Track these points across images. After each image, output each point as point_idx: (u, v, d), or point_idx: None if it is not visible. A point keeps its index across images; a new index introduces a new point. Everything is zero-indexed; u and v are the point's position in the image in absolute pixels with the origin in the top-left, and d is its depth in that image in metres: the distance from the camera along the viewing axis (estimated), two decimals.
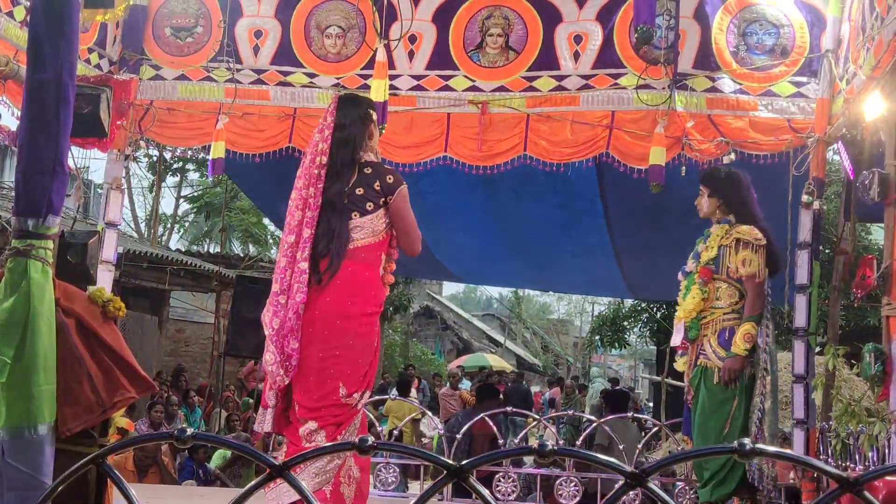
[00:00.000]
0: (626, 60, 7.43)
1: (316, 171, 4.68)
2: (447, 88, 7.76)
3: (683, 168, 7.25)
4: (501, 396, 17.30)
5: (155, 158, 23.06)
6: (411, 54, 7.79)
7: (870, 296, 5.86)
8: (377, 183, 4.71)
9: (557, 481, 7.53)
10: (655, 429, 8.83)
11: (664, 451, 10.68)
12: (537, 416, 8.75)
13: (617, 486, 2.02)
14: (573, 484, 7.43)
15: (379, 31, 7.49)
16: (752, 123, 7.24)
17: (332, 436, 4.49)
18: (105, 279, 7.37)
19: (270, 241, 27.73)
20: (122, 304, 4.15)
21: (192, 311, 21.02)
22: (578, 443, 8.27)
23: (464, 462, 2.08)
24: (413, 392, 16.76)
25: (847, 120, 6.55)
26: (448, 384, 17.55)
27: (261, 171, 9.21)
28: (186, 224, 30.96)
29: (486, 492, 2.08)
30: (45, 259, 3.64)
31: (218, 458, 10.31)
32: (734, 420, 5.82)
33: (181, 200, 29.71)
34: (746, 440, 1.98)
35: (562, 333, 49.04)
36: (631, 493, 5.94)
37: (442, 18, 7.74)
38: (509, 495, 7.41)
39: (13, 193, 4.05)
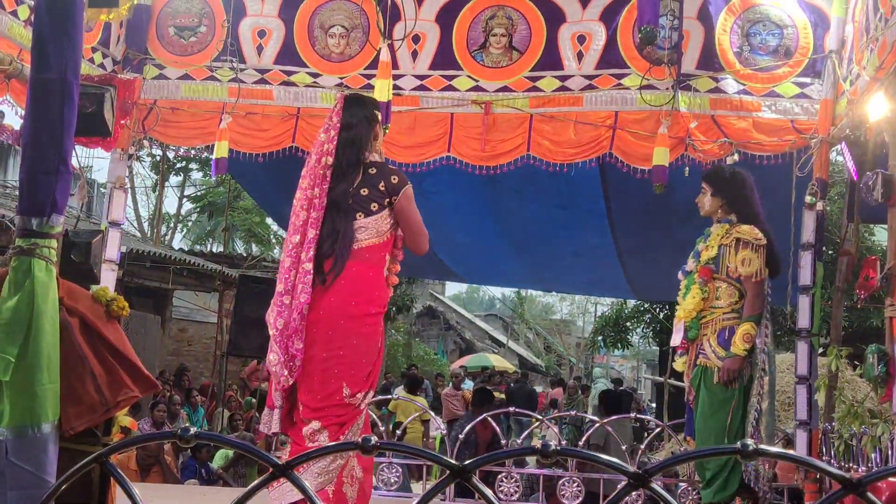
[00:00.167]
0: (630, 61, 7.43)
1: (321, 172, 4.68)
2: (450, 88, 7.76)
3: (687, 168, 7.25)
4: (504, 397, 17.39)
5: (158, 158, 23.10)
6: (415, 54, 7.79)
7: (873, 297, 5.86)
8: (382, 183, 4.71)
9: (560, 482, 7.53)
10: (658, 429, 8.82)
11: (667, 451, 10.68)
12: (540, 417, 8.75)
13: (620, 486, 2.02)
14: (575, 484, 7.43)
15: (383, 30, 7.49)
16: (755, 124, 7.24)
17: (335, 436, 4.49)
18: (108, 278, 7.37)
19: (273, 240, 27.74)
20: (126, 304, 4.15)
21: (195, 310, 21.03)
22: (581, 443, 8.26)
23: (467, 462, 2.08)
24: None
25: (851, 121, 6.55)
26: (451, 384, 17.54)
27: (264, 171, 9.22)
28: (189, 223, 30.98)
29: (489, 492, 2.08)
30: (49, 258, 3.64)
31: (220, 458, 10.31)
32: (734, 420, 5.82)
33: (184, 200, 29.76)
34: (749, 441, 1.98)
35: (564, 334, 49.02)
36: (629, 493, 5.94)
37: (445, 18, 7.74)
38: (512, 495, 7.40)
39: (17, 192, 4.06)
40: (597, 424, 8.30)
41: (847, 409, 5.99)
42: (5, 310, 3.54)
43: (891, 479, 4.04)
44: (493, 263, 12.73)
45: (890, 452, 5.30)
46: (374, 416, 7.27)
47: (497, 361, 27.39)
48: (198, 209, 29.95)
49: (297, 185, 4.78)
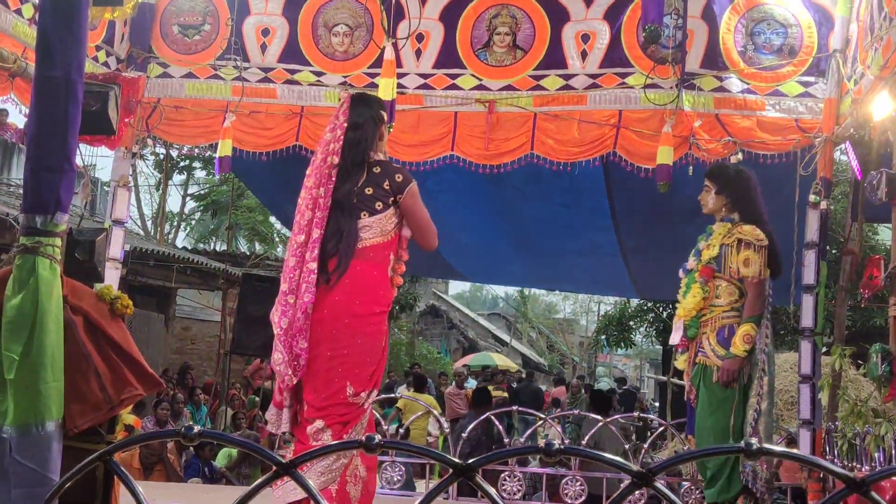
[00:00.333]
0: (634, 60, 7.43)
1: (327, 171, 4.67)
2: (454, 87, 7.76)
3: (691, 168, 7.25)
4: (507, 395, 17.40)
5: (162, 156, 23.11)
6: (418, 53, 7.79)
7: (877, 296, 5.86)
8: (386, 182, 4.70)
9: (563, 481, 7.52)
10: (661, 428, 8.81)
11: (670, 450, 10.68)
12: (543, 416, 8.75)
13: (623, 485, 2.02)
14: (578, 483, 7.43)
15: (387, 29, 7.49)
16: (759, 123, 7.24)
17: (338, 434, 4.49)
18: (112, 277, 7.38)
19: (277, 239, 27.76)
20: (130, 302, 4.16)
21: (199, 308, 21.04)
22: (584, 442, 8.26)
23: (470, 461, 2.08)
24: None
25: (855, 120, 6.54)
26: (454, 383, 17.54)
27: (267, 170, 9.22)
28: (193, 222, 30.98)
29: (492, 490, 2.08)
30: (54, 256, 3.64)
31: (223, 457, 10.31)
32: (736, 420, 5.81)
33: (188, 198, 29.75)
34: (753, 440, 1.98)
35: (567, 333, 49.00)
36: (633, 492, 5.94)
37: (449, 17, 7.74)
38: (515, 494, 7.40)
39: (21, 191, 4.06)
40: (603, 423, 8.29)
41: (850, 409, 5.98)
42: (10, 308, 3.54)
43: (894, 478, 4.03)
44: (497, 262, 12.73)
45: (893, 452, 5.30)
46: (378, 415, 7.27)
47: (500, 360, 27.38)
48: (201, 208, 29.94)
49: (301, 183, 4.78)
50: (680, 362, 6.23)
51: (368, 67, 7.80)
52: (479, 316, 44.26)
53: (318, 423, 4.50)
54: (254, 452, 2.31)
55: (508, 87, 7.68)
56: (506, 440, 8.37)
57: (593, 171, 8.26)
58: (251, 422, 12.86)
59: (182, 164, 27.32)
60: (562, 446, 2.06)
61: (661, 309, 21.11)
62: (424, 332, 35.45)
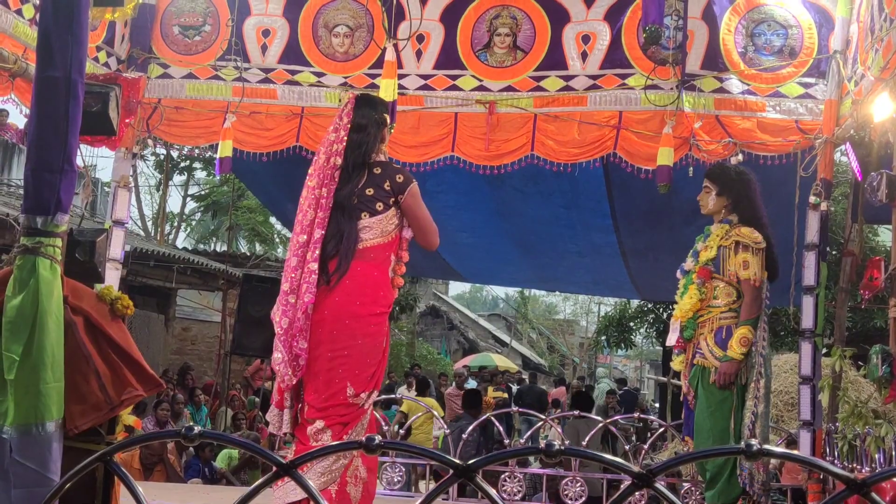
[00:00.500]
0: (634, 61, 7.43)
1: (330, 172, 4.68)
2: (455, 88, 7.76)
3: (691, 169, 7.24)
4: (506, 396, 17.41)
5: (162, 157, 23.12)
6: (419, 54, 7.80)
7: (877, 297, 5.86)
8: (387, 183, 4.71)
9: (563, 481, 7.52)
10: (661, 429, 8.82)
11: (670, 451, 10.68)
12: (542, 416, 8.75)
13: (623, 486, 2.02)
14: (579, 484, 7.42)
15: (388, 30, 7.50)
16: (759, 124, 7.24)
17: (338, 435, 4.49)
18: (112, 277, 7.38)
19: (277, 239, 27.77)
20: (130, 303, 4.16)
21: (199, 309, 21.03)
22: (584, 443, 8.26)
23: (470, 461, 2.08)
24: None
25: (855, 121, 6.54)
26: (454, 384, 17.54)
27: (268, 170, 9.23)
28: (193, 222, 30.99)
29: (492, 491, 2.08)
30: (54, 257, 3.64)
31: (223, 458, 10.30)
32: (735, 422, 5.81)
33: (188, 199, 29.76)
34: (754, 441, 1.98)
35: (568, 334, 48.95)
36: (633, 493, 5.94)
37: (450, 18, 7.75)
38: (515, 495, 7.40)
39: (22, 191, 4.06)
40: (604, 424, 8.29)
41: (851, 410, 5.98)
42: (10, 308, 3.54)
43: (895, 479, 4.03)
44: (497, 263, 12.74)
45: (894, 453, 5.30)
46: (378, 416, 7.27)
47: (500, 361, 27.38)
48: (201, 208, 29.95)
49: (301, 184, 4.78)
50: (676, 363, 6.23)
51: (369, 68, 7.80)
52: (479, 317, 44.24)
53: (319, 424, 4.50)
54: (254, 453, 2.32)
55: (509, 88, 7.68)
56: (506, 441, 8.37)
57: (593, 172, 8.26)
58: (251, 422, 12.85)
59: (182, 164, 27.34)
60: (562, 447, 2.06)
61: (661, 310, 21.11)
62: (424, 332, 35.44)
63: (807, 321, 6.98)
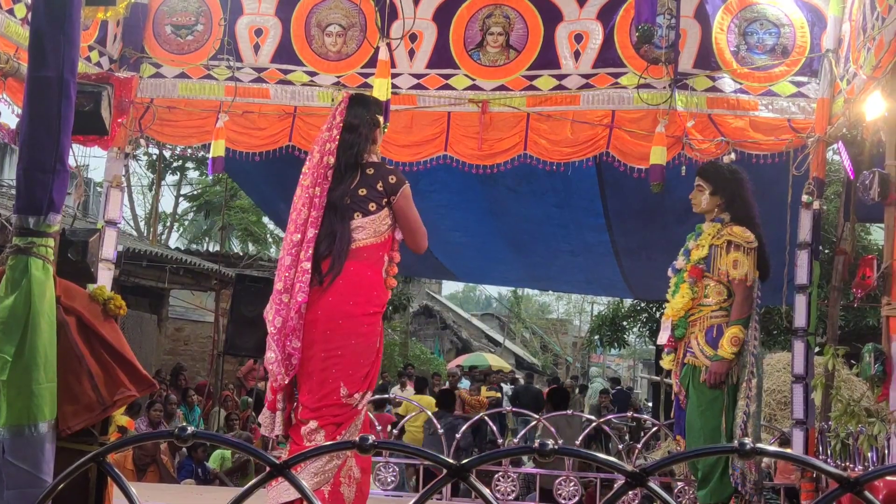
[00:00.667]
0: (627, 60, 7.43)
1: (323, 171, 4.68)
2: (447, 87, 7.76)
3: (684, 168, 7.24)
4: (499, 396, 17.40)
5: (155, 157, 23.07)
6: (412, 53, 7.79)
7: (869, 296, 5.85)
8: (380, 183, 4.71)
9: (557, 481, 7.53)
10: (655, 428, 8.82)
11: (663, 450, 10.69)
12: (536, 416, 8.75)
13: (617, 485, 2.02)
14: (572, 484, 7.43)
15: (381, 29, 7.49)
16: (752, 123, 7.25)
17: (331, 435, 4.49)
18: (105, 277, 7.36)
19: (270, 239, 27.73)
20: (123, 303, 4.15)
21: (192, 309, 21.01)
22: (578, 442, 8.27)
23: (464, 461, 2.08)
24: (411, 391, 16.74)
25: (847, 120, 6.55)
26: (447, 384, 17.52)
27: (261, 170, 9.22)
28: (186, 222, 30.94)
29: (486, 491, 2.08)
30: (46, 257, 3.64)
31: (216, 459, 10.29)
32: (727, 421, 5.81)
33: (181, 199, 29.70)
34: (747, 440, 1.99)
35: (561, 333, 48.98)
36: (626, 492, 5.94)
37: (442, 17, 7.74)
38: (509, 495, 7.41)
39: (14, 191, 4.05)
40: (598, 423, 8.29)
41: (844, 408, 5.98)
42: (2, 308, 3.53)
43: (888, 477, 4.04)
44: (490, 262, 12.73)
45: (887, 451, 5.30)
46: (372, 416, 7.26)
47: (494, 361, 27.36)
48: (194, 208, 29.90)
49: (294, 183, 4.78)
50: (666, 362, 6.23)
51: (362, 67, 7.80)
52: (472, 316, 44.24)
53: (312, 424, 4.50)
54: (247, 453, 2.31)
55: (501, 88, 7.68)
56: (499, 441, 8.37)
57: (586, 171, 8.27)
58: (244, 423, 12.84)
59: (175, 164, 27.27)
60: (555, 446, 2.06)
61: (654, 309, 21.12)
62: (418, 332, 35.41)
63: (799, 320, 6.99)
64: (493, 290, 51.23)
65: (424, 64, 7.79)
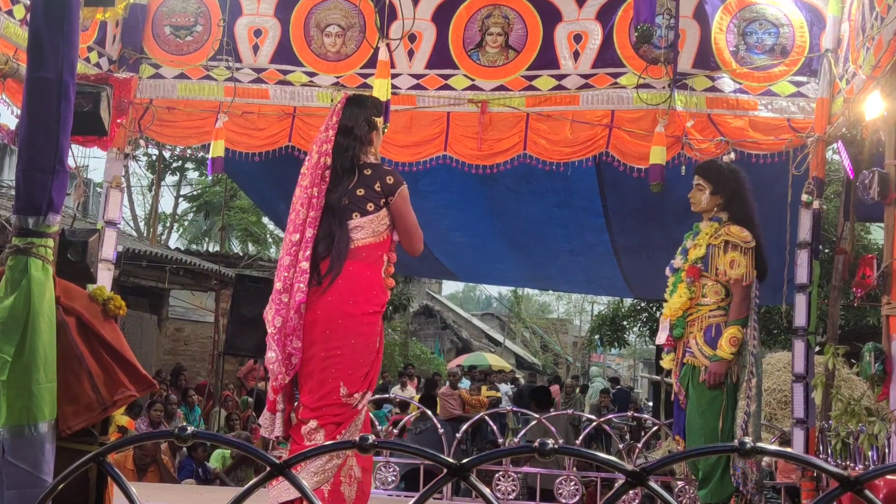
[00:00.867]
0: (626, 60, 7.44)
1: (320, 172, 4.68)
2: (447, 87, 7.76)
3: (683, 167, 7.24)
4: (498, 395, 17.39)
5: (154, 157, 23.06)
6: (411, 53, 7.80)
7: (869, 295, 5.85)
8: (377, 184, 4.70)
9: (557, 480, 7.53)
10: (655, 428, 8.82)
11: (664, 450, 10.69)
12: (536, 416, 8.75)
13: (617, 484, 2.02)
14: (573, 483, 7.43)
15: (380, 30, 7.49)
16: (751, 123, 7.25)
17: (331, 435, 4.48)
18: (105, 278, 7.36)
19: (270, 239, 27.72)
20: (123, 303, 4.15)
21: (192, 309, 21.01)
22: (578, 442, 8.27)
23: (464, 461, 2.08)
24: (412, 391, 16.76)
25: (847, 119, 6.55)
26: (448, 383, 17.53)
27: (260, 170, 9.22)
28: (186, 223, 30.94)
29: (486, 490, 2.08)
30: (46, 257, 3.64)
31: (216, 458, 10.29)
32: (725, 421, 5.80)
33: (180, 199, 29.70)
34: (747, 439, 1.99)
35: (561, 333, 48.93)
36: (627, 491, 5.95)
37: (442, 17, 7.75)
38: (509, 494, 7.41)
39: (13, 192, 4.05)
40: (598, 422, 8.29)
41: (844, 408, 5.98)
42: (2, 309, 3.53)
43: (888, 476, 4.04)
44: (490, 262, 12.73)
45: (887, 450, 5.30)
46: (372, 416, 7.27)
47: (494, 360, 27.36)
48: (194, 209, 29.89)
49: (294, 183, 4.78)
50: (666, 362, 6.22)
51: (361, 68, 7.80)
52: (472, 316, 44.22)
53: (312, 424, 4.50)
54: (247, 453, 2.31)
55: (501, 88, 7.69)
56: (499, 440, 8.37)
57: (586, 171, 8.27)
58: (245, 422, 12.84)
59: (174, 164, 27.26)
60: (555, 446, 2.06)
61: (654, 308, 21.12)
62: (418, 332, 35.40)
63: (800, 319, 6.99)
64: (493, 290, 51.23)
65: (424, 64, 7.80)
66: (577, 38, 7.57)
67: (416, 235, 4.82)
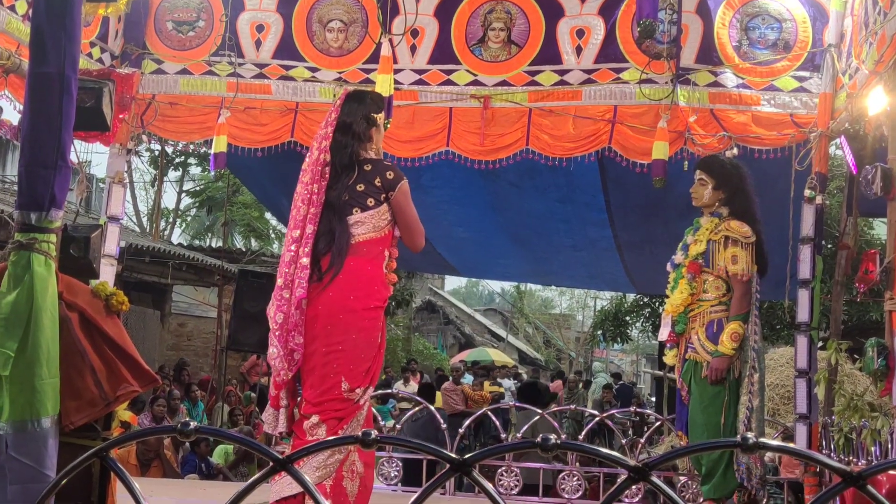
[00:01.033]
0: (629, 55, 7.43)
1: (320, 168, 4.67)
2: (449, 83, 7.76)
3: (686, 163, 7.24)
4: (502, 391, 17.40)
5: (157, 153, 23.09)
6: (413, 48, 7.79)
7: (872, 290, 5.85)
8: (377, 179, 4.69)
9: (560, 475, 7.54)
10: (658, 423, 8.83)
11: (667, 445, 10.69)
12: (539, 411, 8.75)
13: (620, 479, 2.02)
14: (576, 478, 7.44)
15: (384, 25, 7.48)
16: (754, 118, 7.24)
17: (333, 430, 4.49)
18: (107, 273, 7.36)
19: (272, 235, 27.76)
20: (125, 298, 4.15)
21: (195, 305, 21.03)
22: (581, 437, 8.27)
23: (467, 456, 2.08)
24: (415, 387, 16.76)
25: (850, 115, 6.54)
26: (450, 379, 17.54)
27: (263, 166, 9.21)
28: (188, 218, 30.97)
29: (489, 486, 2.08)
30: (49, 253, 3.64)
31: (219, 454, 10.30)
32: (727, 416, 5.81)
33: (183, 195, 29.73)
34: (749, 434, 1.99)
35: (564, 328, 48.93)
36: (629, 486, 5.95)
37: (444, 13, 7.74)
38: (512, 490, 7.41)
39: (16, 187, 4.05)
40: (600, 418, 8.29)
41: (847, 403, 5.98)
42: (4, 304, 3.53)
43: (891, 472, 4.04)
44: (493, 258, 12.73)
45: (890, 446, 5.30)
46: (375, 412, 7.27)
47: (497, 356, 27.38)
48: (197, 204, 29.94)
49: (296, 179, 4.78)
50: (668, 358, 6.23)
51: (363, 63, 7.79)
52: (475, 311, 44.23)
53: (314, 419, 4.50)
54: (250, 448, 2.32)
55: (503, 83, 7.68)
56: (502, 436, 8.38)
57: (588, 166, 8.26)
58: (248, 418, 12.86)
59: (177, 160, 27.31)
60: (558, 441, 2.06)
61: (657, 304, 21.12)
62: (421, 327, 35.42)
63: (802, 315, 6.99)
64: (495, 286, 51.24)
65: (426, 59, 7.79)
66: (580, 33, 7.56)
67: (416, 231, 4.81)
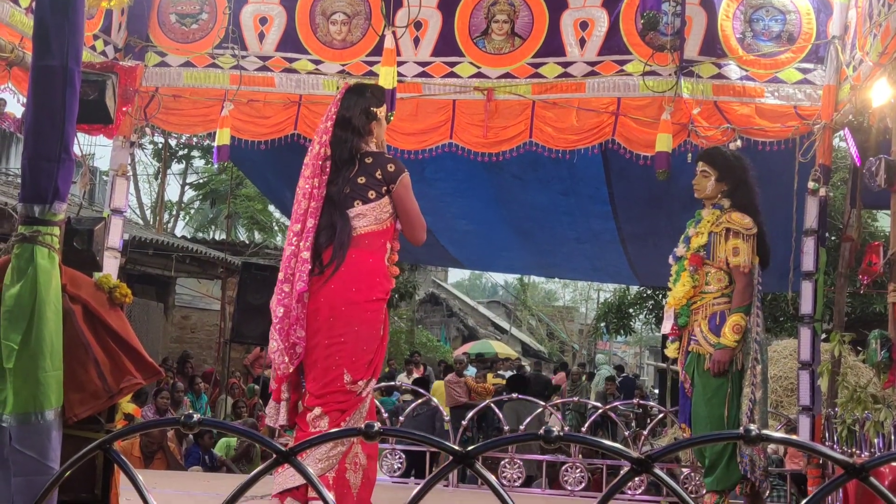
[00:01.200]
0: (633, 47, 7.42)
1: (321, 163, 4.67)
2: (453, 75, 7.75)
3: (689, 155, 7.23)
4: (504, 383, 17.40)
5: (160, 145, 23.09)
6: (416, 41, 7.78)
7: (876, 282, 5.86)
8: (378, 172, 4.69)
9: (563, 467, 7.54)
10: (661, 415, 8.83)
11: (670, 437, 10.71)
12: (542, 403, 8.77)
13: (623, 471, 2.02)
14: (579, 470, 7.45)
15: (387, 17, 7.48)
16: (758, 110, 7.23)
17: (335, 422, 4.49)
18: (111, 266, 7.37)
19: (276, 227, 27.78)
20: (129, 291, 4.15)
21: (198, 297, 21.04)
22: (584, 429, 8.27)
23: (469, 448, 2.08)
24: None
25: (854, 107, 6.54)
26: (454, 371, 17.54)
27: (266, 158, 9.22)
28: (192, 211, 31.00)
29: (492, 478, 2.08)
30: (52, 245, 3.64)
31: (222, 446, 10.32)
32: (730, 408, 5.80)
33: (186, 187, 29.75)
34: (752, 426, 1.99)
35: (567, 320, 48.95)
36: (632, 478, 5.95)
37: (447, 5, 7.73)
38: (515, 482, 7.42)
39: (19, 180, 4.05)
40: (603, 409, 8.29)
41: (850, 395, 5.98)
42: (8, 297, 3.53)
43: (893, 464, 4.04)
44: (496, 250, 12.73)
45: (893, 438, 5.30)
46: (378, 403, 7.28)
47: (500, 348, 27.38)
48: (200, 197, 29.96)
49: (299, 171, 4.78)
50: (671, 350, 6.22)
51: (367, 55, 7.79)
52: (478, 304, 44.25)
53: (317, 411, 4.52)
54: (253, 440, 2.32)
55: (507, 75, 7.67)
56: (505, 428, 8.38)
57: (592, 158, 8.25)
58: (251, 410, 12.87)
59: (181, 153, 27.32)
60: (561, 433, 2.07)
61: (660, 296, 21.14)
62: (424, 320, 35.45)
63: (806, 306, 6.99)
64: (499, 278, 51.28)
65: (429, 52, 7.79)
66: (584, 25, 7.55)
67: (417, 224, 4.80)
